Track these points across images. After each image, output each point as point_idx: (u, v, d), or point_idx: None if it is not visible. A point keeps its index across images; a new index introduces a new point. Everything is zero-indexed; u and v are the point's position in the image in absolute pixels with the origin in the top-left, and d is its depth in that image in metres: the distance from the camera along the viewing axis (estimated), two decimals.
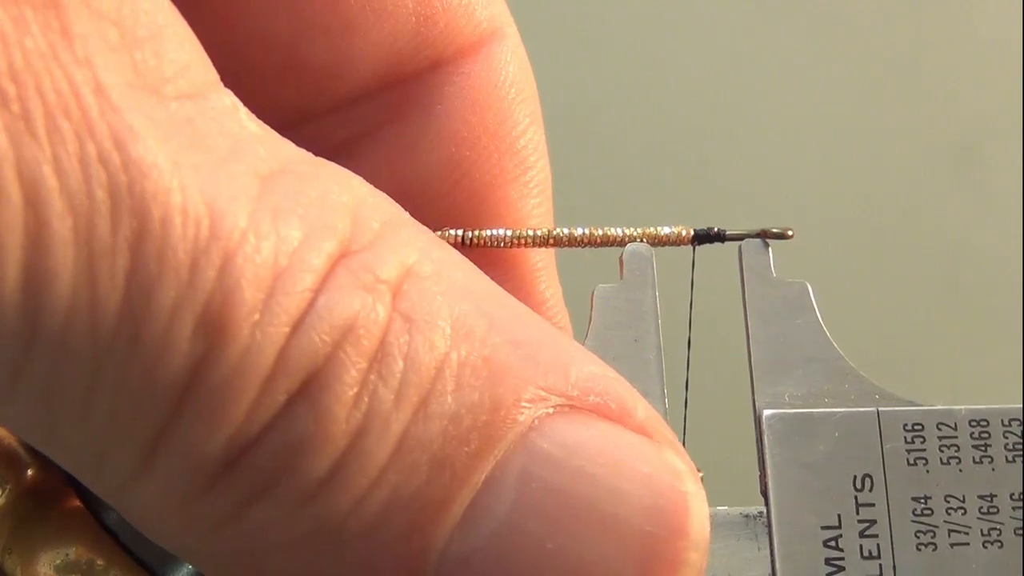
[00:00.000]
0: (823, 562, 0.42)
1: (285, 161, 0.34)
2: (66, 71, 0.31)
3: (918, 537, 0.42)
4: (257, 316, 0.32)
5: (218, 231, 0.32)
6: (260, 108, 0.36)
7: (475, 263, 0.37)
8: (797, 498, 0.43)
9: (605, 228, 0.46)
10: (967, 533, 0.42)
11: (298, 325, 0.33)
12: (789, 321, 0.46)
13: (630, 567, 0.35)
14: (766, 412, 0.45)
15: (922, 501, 0.43)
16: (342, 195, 0.35)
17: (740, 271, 0.44)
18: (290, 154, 0.35)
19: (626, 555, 0.35)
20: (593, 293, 0.45)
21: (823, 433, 0.44)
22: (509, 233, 0.49)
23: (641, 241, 0.45)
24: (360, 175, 0.37)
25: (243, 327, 0.32)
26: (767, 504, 0.44)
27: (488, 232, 0.49)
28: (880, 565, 0.41)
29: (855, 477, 0.43)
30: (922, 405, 0.46)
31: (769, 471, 0.44)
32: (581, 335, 0.45)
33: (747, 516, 0.46)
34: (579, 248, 0.48)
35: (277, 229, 0.33)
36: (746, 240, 0.44)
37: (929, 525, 0.42)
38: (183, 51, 0.34)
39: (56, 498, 0.50)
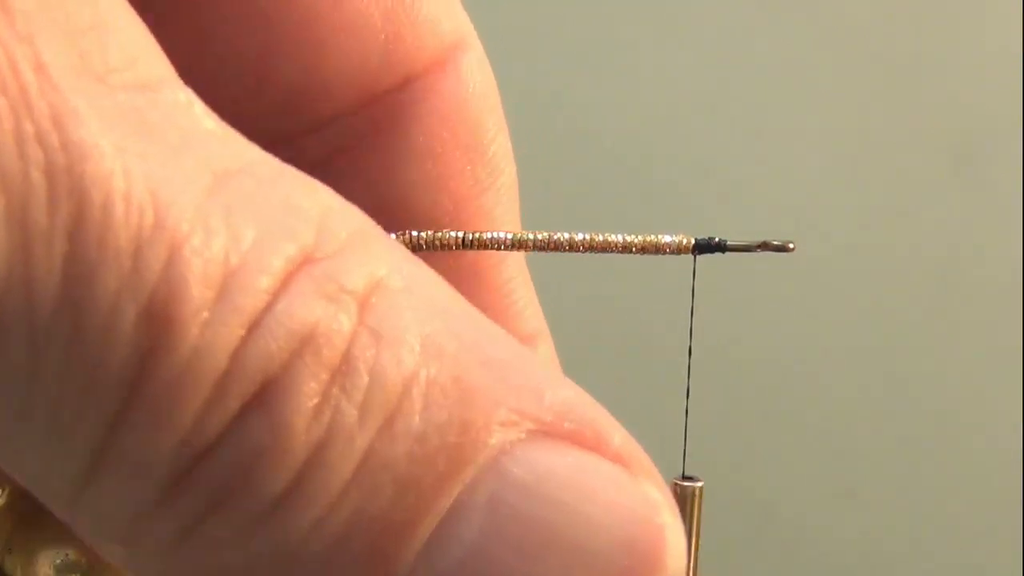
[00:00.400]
0: None
1: (245, 162, 0.33)
2: (4, 45, 0.29)
3: None
4: (206, 314, 0.31)
5: (163, 221, 0.30)
6: (236, 130, 0.35)
7: (445, 276, 0.36)
8: None
9: (606, 234, 0.46)
10: None
11: (253, 328, 0.31)
12: None
13: None
14: None
15: None
16: (306, 201, 0.33)
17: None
18: (252, 156, 0.33)
19: None
20: None
21: None
22: (509, 236, 0.48)
23: (641, 249, 0.45)
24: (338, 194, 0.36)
25: (191, 324, 0.31)
26: None
27: (488, 235, 0.49)
28: None
29: None
30: None
31: None
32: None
33: None
34: (579, 253, 0.47)
35: (229, 226, 0.31)
36: None
37: None
38: (133, 44, 0.32)
39: None
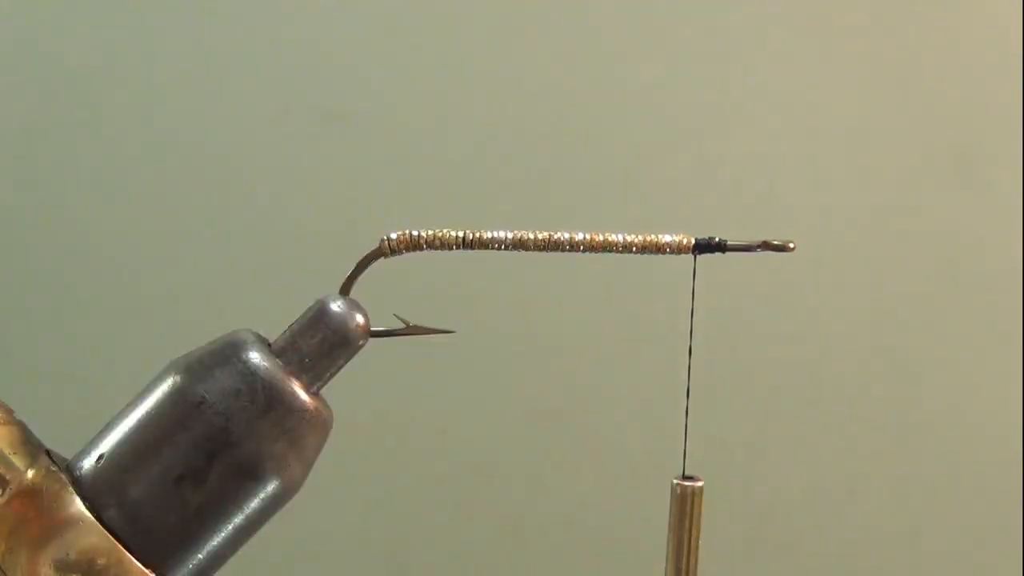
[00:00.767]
0: None
1: None
2: None
3: None
4: None
5: None
6: None
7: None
8: None
9: (606, 234, 0.46)
10: None
11: None
12: None
13: None
14: None
15: None
16: None
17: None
18: None
19: None
20: None
21: None
22: (509, 235, 0.48)
23: (642, 249, 0.45)
24: None
25: None
26: None
27: (488, 234, 0.49)
28: None
29: None
30: None
31: None
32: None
33: None
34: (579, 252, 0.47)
35: None
36: None
37: None
38: None
39: (56, 498, 0.51)
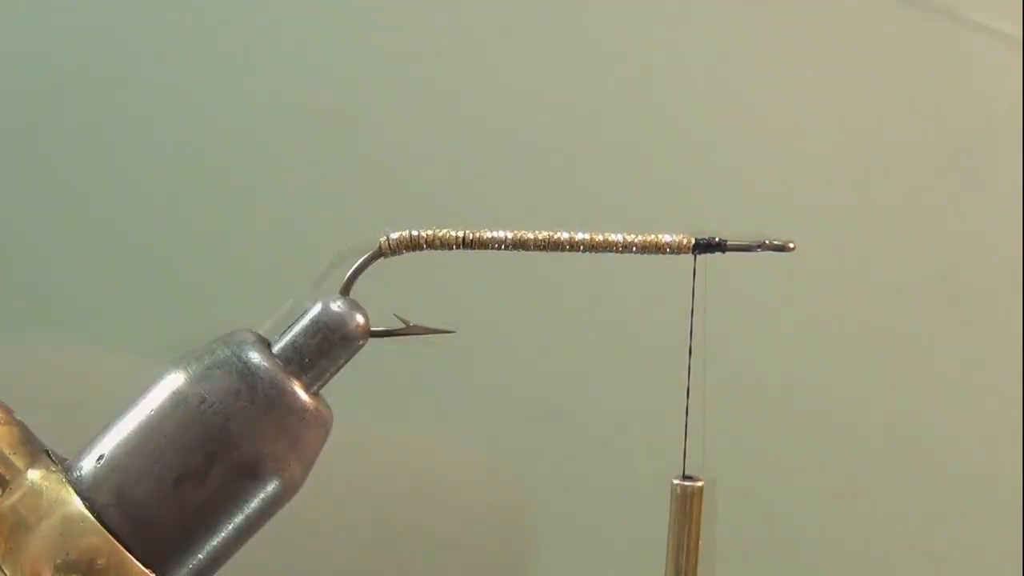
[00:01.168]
0: None
1: None
2: None
3: None
4: None
5: None
6: None
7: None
8: None
9: (606, 234, 0.46)
10: None
11: None
12: None
13: None
14: None
15: None
16: None
17: None
18: None
19: None
20: None
21: None
22: (509, 235, 0.48)
23: (642, 249, 0.45)
24: None
25: None
26: None
27: (488, 234, 0.49)
28: None
29: None
30: None
31: None
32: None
33: None
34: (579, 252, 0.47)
35: None
36: None
37: None
38: None
39: (56, 498, 0.51)
